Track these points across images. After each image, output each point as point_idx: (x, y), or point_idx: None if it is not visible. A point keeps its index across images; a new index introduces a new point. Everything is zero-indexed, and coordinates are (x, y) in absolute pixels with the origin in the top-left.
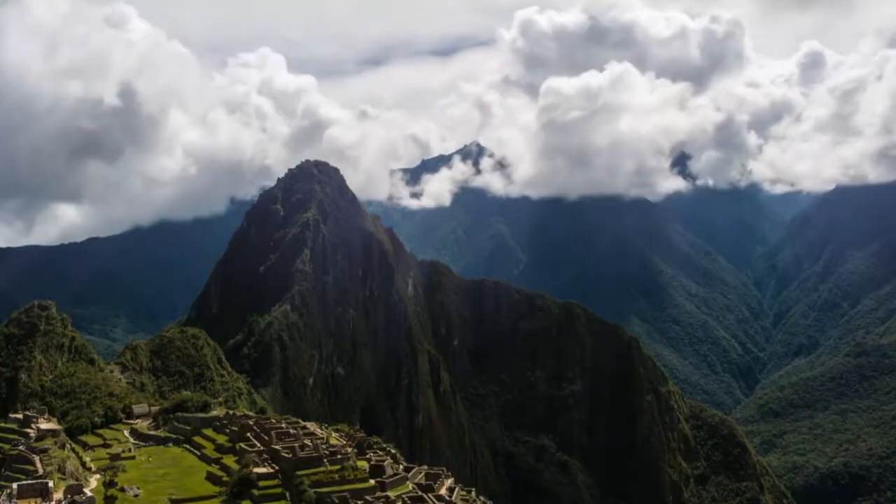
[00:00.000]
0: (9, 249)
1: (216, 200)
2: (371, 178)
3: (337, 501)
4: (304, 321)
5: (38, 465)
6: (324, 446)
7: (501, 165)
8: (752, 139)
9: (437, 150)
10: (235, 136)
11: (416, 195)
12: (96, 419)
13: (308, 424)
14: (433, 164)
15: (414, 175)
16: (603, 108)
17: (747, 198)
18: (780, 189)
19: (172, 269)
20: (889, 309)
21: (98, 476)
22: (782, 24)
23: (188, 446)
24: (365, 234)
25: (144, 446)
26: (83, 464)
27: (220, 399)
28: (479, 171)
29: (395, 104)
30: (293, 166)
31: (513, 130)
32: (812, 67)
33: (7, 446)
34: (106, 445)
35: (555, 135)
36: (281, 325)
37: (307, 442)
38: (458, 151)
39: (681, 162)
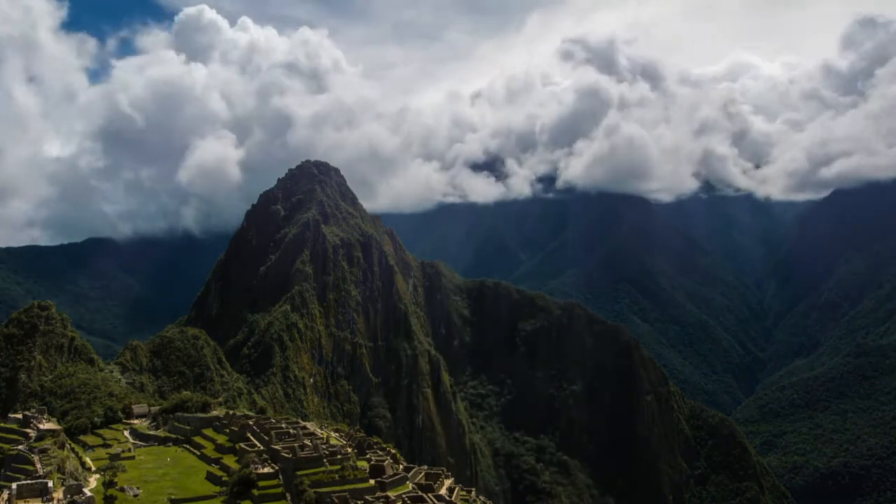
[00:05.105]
0: (9, 249)
1: None
2: None
3: (337, 501)
4: (304, 321)
5: (38, 465)
6: (324, 446)
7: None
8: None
9: None
10: None
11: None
12: (96, 419)
13: (308, 424)
14: None
15: None
16: None
17: (748, 198)
18: (780, 189)
19: (172, 268)
20: (889, 309)
21: (98, 476)
22: None
23: (188, 446)
24: (365, 234)
25: (144, 446)
26: (83, 464)
27: (220, 399)
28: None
29: None
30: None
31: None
32: None
33: (7, 446)
34: (106, 445)
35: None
36: (281, 325)
37: (307, 442)
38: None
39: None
